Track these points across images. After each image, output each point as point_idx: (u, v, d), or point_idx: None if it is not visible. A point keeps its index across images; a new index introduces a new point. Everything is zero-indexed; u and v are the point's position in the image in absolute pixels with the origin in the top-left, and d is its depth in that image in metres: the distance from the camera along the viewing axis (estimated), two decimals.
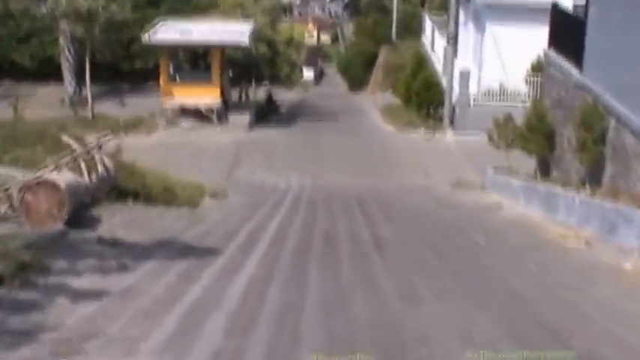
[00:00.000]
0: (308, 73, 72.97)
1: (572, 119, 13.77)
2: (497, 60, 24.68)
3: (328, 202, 15.36)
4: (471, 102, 23.97)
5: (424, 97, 24.73)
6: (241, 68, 28.35)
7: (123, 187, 12.30)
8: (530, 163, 16.40)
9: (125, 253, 8.54)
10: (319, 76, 75.22)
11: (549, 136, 15.17)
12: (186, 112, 24.95)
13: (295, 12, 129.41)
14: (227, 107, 26.23)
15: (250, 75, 29.15)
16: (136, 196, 12.25)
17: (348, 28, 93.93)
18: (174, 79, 25.93)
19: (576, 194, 11.47)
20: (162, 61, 25.52)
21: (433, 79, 25.20)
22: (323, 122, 28.60)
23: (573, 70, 14.68)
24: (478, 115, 23.58)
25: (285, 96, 37.00)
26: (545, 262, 9.21)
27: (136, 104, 27.19)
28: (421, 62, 26.61)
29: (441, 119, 24.97)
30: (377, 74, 43.40)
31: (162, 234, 10.29)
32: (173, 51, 25.82)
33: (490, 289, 7.97)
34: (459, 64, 24.85)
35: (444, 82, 25.46)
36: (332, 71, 74.79)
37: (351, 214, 13.58)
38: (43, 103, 26.66)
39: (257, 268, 8.49)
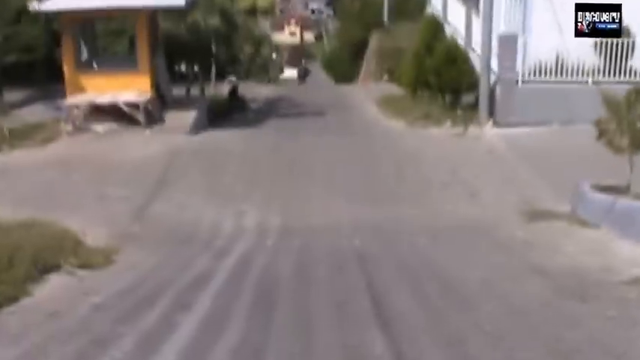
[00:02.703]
0: (290, 72, 66.62)
1: None
2: (550, 21, 16.98)
3: (305, 275, 7.55)
4: (519, 79, 16.16)
5: (448, 77, 16.88)
6: (186, 49, 20.38)
7: None
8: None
9: None
10: (303, 75, 69.69)
11: None
12: (101, 111, 17.02)
13: (277, 11, 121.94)
14: (164, 103, 18.33)
15: (199, 58, 21.17)
16: None
17: (333, 26, 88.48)
18: (88, 66, 18.05)
19: None
20: (66, 40, 17.57)
21: (459, 51, 17.31)
22: (304, 120, 20.73)
23: None
24: (528, 99, 15.94)
25: (258, 91, 29.31)
26: None
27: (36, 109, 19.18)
28: (437, 31, 18.76)
29: (471, 107, 17.17)
30: (369, 63, 36.16)
31: None
32: (80, 23, 17.83)
33: None
34: (496, 29, 17.00)
35: (474, 54, 17.62)
36: (317, 70, 70.25)
37: (356, 324, 5.76)
38: None
39: None
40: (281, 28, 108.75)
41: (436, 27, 18.98)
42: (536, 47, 16.46)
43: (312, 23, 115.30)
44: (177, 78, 22.96)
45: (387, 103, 21.21)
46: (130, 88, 17.31)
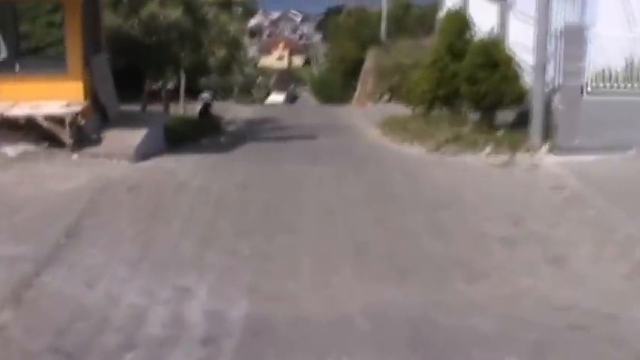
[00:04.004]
0: (278, 97, 62.86)
1: None
2: (618, 12, 12.82)
3: None
4: (585, 88, 11.75)
5: (488, 85, 12.42)
6: (140, 52, 15.89)
7: None
8: None
9: None
10: (291, 100, 66.10)
11: None
12: (15, 127, 12.47)
13: (264, 34, 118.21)
14: (104, 119, 13.83)
15: (154, 62, 16.66)
16: None
17: (322, 51, 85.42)
18: (8, 68, 13.52)
19: None
20: None
21: (500, 52, 12.90)
22: (291, 145, 16.25)
23: None
24: (596, 114, 11.56)
25: (239, 112, 24.95)
26: None
27: None
28: (464, 29, 14.41)
29: (509, 127, 12.80)
30: (365, 82, 32.07)
31: None
32: None
33: None
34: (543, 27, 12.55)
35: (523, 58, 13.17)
36: (306, 95, 66.78)
37: None
38: None
39: None
40: (268, 52, 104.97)
41: (462, 24, 14.60)
42: (601, 47, 12.12)
43: (301, 48, 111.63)
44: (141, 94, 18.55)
45: (394, 125, 16.82)
46: (57, 98, 12.79)
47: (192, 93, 21.98)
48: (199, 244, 8.22)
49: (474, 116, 14.08)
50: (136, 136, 13.06)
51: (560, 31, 11.82)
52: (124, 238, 8.44)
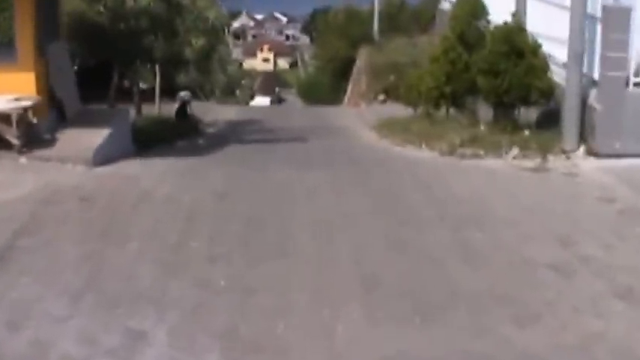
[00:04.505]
0: (263, 100, 61.24)
1: None
2: None
3: None
4: (631, 80, 9.93)
5: (512, 79, 10.57)
6: (106, 42, 13.94)
7: None
8: None
9: None
10: (278, 101, 64.52)
11: None
12: None
13: (249, 36, 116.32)
14: (61, 116, 11.90)
15: (123, 53, 14.70)
16: None
17: (309, 53, 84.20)
18: None
19: None
20: None
21: (525, 38, 11.04)
22: (278, 147, 14.40)
23: None
24: None
25: (220, 113, 23.14)
26: None
27: None
28: (478, 13, 12.61)
29: (539, 126, 10.99)
30: (357, 82, 30.47)
31: None
32: None
33: None
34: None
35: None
36: (292, 98, 65.33)
37: None
38: None
39: None
40: (253, 54, 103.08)
41: (476, 9, 12.77)
42: None
43: (287, 50, 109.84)
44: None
45: (394, 126, 15.01)
46: (4, 91, 10.85)
47: (169, 93, 20.08)
48: (162, 271, 6.32)
49: (484, 115, 12.28)
50: (96, 137, 11.10)
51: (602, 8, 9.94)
52: (66, 263, 6.53)
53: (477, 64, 11.35)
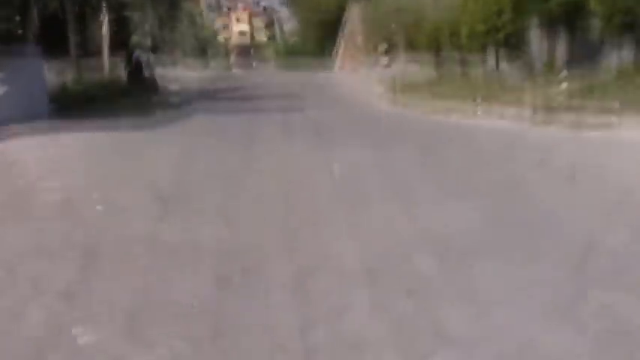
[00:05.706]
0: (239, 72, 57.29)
1: None
2: None
3: None
4: None
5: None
6: None
7: None
8: None
9: None
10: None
11: None
12: None
13: (223, 7, 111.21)
14: None
15: None
16: None
17: (288, 26, 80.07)
18: None
19: None
20: None
21: None
22: (263, 116, 10.27)
23: None
24: None
25: (190, 76, 19.19)
26: None
27: None
28: None
29: None
30: (349, 42, 26.28)
31: None
32: None
33: None
34: None
35: None
36: (272, 71, 61.29)
37: None
38: None
39: None
40: (228, 27, 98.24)
41: None
42: None
43: (264, 21, 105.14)
44: None
45: (421, 91, 10.93)
46: None
47: (122, 50, 15.77)
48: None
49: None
50: None
51: None
52: None
53: None
